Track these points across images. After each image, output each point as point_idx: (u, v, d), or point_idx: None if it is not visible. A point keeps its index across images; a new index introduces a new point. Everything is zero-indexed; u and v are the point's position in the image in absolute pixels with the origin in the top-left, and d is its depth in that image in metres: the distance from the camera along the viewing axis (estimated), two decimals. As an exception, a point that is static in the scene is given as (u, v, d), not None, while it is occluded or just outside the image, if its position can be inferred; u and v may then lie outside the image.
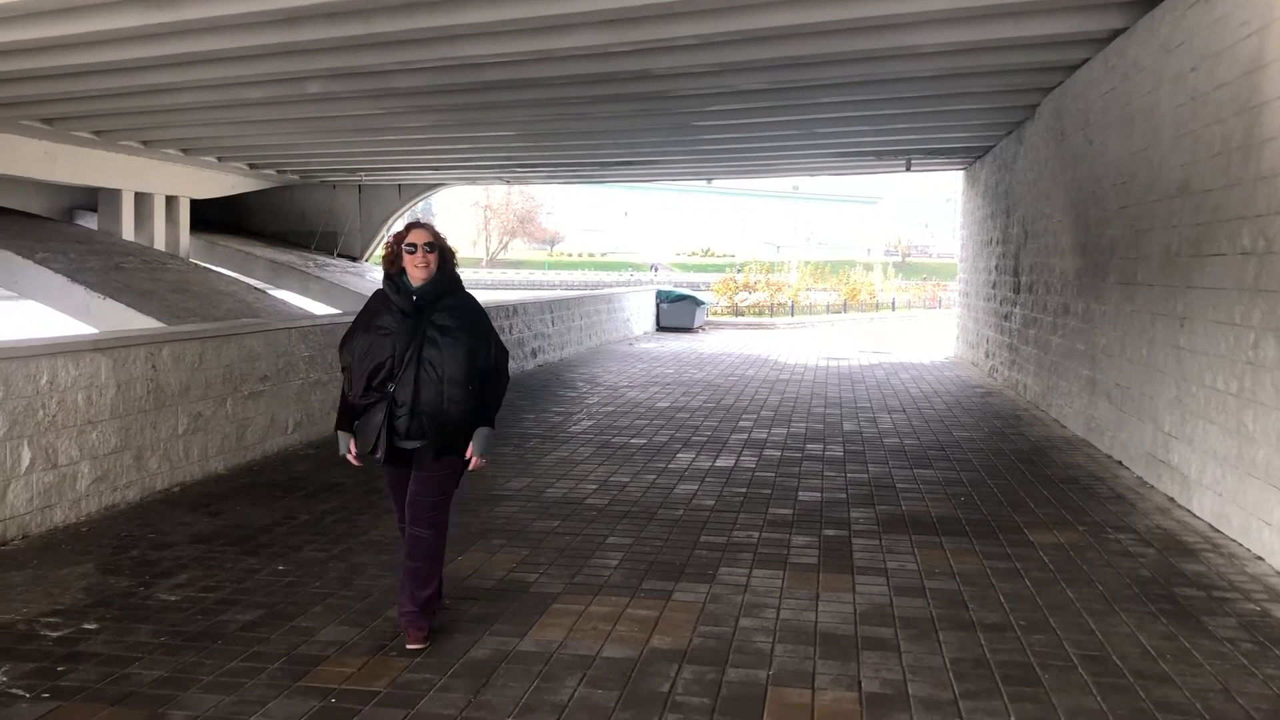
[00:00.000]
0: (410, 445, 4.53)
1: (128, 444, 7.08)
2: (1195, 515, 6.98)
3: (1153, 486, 7.87)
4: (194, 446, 7.80)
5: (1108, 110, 9.54)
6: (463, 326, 4.53)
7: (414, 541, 4.59)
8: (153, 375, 7.34)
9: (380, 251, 27.65)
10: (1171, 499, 7.46)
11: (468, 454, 4.58)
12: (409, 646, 4.48)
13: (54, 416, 6.44)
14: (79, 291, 16.09)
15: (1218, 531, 6.58)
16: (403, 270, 4.56)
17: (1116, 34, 9.26)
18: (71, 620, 4.79)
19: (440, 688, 4.08)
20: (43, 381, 6.35)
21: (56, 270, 16.45)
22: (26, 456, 6.21)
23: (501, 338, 4.95)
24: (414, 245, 4.51)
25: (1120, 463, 8.79)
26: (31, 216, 20.39)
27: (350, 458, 4.65)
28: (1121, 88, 9.09)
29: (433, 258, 4.53)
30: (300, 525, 6.60)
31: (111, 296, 15.82)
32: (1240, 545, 6.23)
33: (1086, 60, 10.33)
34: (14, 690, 4.00)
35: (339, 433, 4.67)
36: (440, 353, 4.46)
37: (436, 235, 4.61)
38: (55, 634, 4.61)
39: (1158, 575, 5.68)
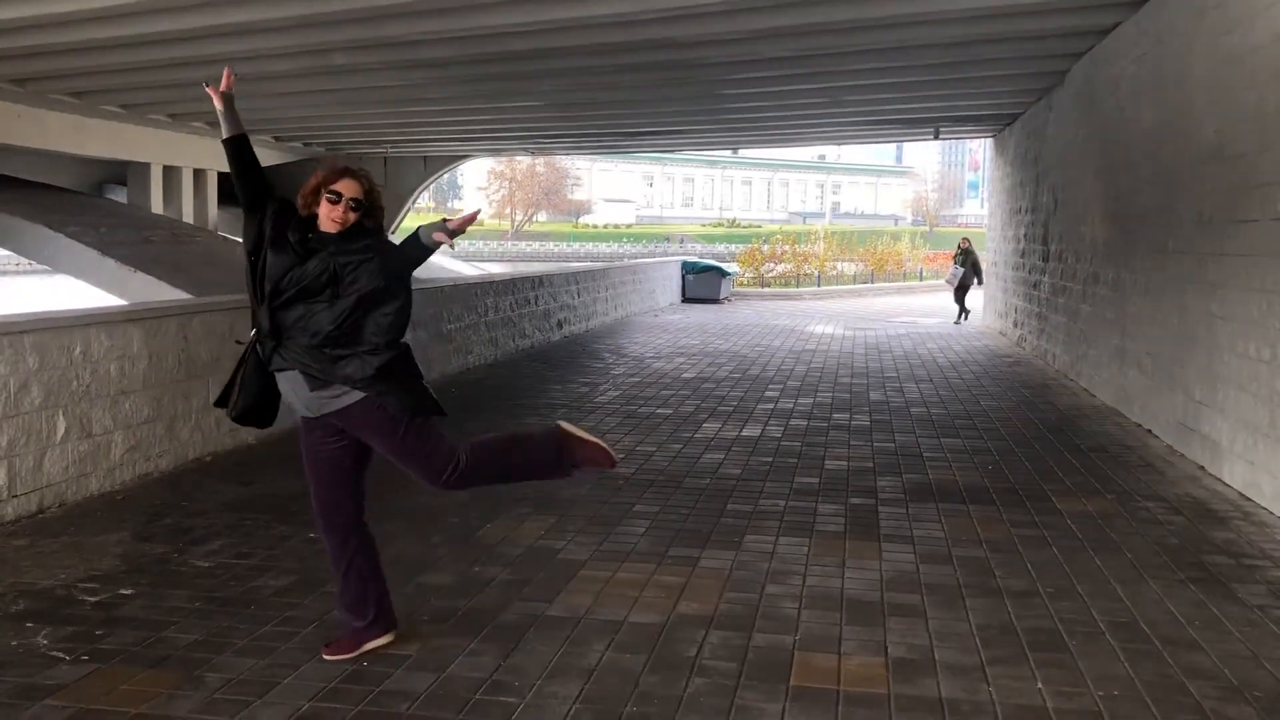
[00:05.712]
0: (304, 400, 4.04)
1: (160, 414, 7.17)
2: (1225, 483, 6.94)
3: (1183, 455, 7.82)
4: (225, 417, 7.87)
5: (1140, 75, 9.41)
6: (365, 257, 3.80)
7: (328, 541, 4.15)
8: (184, 346, 7.42)
9: (405, 223, 27.73)
10: (1202, 467, 7.41)
11: None
12: (325, 657, 4.03)
13: (88, 386, 6.53)
14: (110, 265, 16.28)
15: (1248, 500, 6.53)
16: (312, 216, 3.86)
17: (1149, -3, 9.13)
18: (109, 585, 4.87)
19: (470, 651, 4.13)
20: (77, 352, 6.44)
21: (88, 244, 16.64)
22: (62, 426, 6.31)
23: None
24: (339, 195, 3.78)
25: (1150, 431, 8.74)
26: (62, 190, 20.59)
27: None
28: (1154, 52, 8.96)
29: (353, 216, 3.80)
30: (330, 494, 6.65)
31: (142, 269, 15.99)
32: (1271, 513, 6.18)
33: (1118, 24, 10.18)
34: (54, 653, 4.08)
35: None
36: (311, 270, 3.76)
37: (370, 191, 3.85)
38: (93, 599, 4.69)
39: (1187, 543, 5.66)
